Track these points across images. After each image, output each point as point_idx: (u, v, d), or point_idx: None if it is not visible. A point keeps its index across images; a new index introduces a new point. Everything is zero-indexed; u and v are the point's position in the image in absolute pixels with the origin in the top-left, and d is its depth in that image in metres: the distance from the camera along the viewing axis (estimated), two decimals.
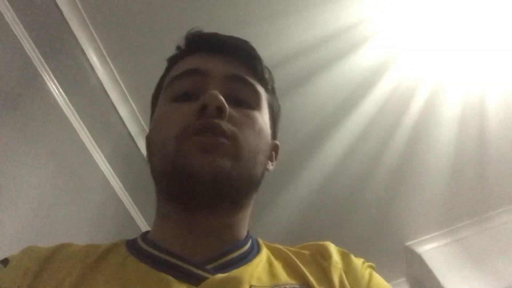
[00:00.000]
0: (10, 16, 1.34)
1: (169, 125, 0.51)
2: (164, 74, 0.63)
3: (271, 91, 0.62)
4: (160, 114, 0.56)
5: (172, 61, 0.62)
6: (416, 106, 2.11)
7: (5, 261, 0.48)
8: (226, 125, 0.49)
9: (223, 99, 0.50)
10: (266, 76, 0.61)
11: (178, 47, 0.62)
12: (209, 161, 0.47)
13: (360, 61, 1.90)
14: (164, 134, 0.51)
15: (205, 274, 0.45)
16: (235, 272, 0.47)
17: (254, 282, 0.46)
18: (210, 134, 0.48)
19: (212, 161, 0.47)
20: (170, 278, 0.44)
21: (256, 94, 0.57)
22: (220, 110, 0.49)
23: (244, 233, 0.55)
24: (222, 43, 0.59)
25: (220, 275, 0.45)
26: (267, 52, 0.75)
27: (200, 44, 0.60)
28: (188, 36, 0.61)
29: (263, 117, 0.57)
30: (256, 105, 0.56)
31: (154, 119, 0.58)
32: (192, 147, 0.48)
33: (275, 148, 0.63)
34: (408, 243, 2.97)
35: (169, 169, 0.49)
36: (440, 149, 2.36)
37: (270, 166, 0.60)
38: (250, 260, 0.50)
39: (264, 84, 0.60)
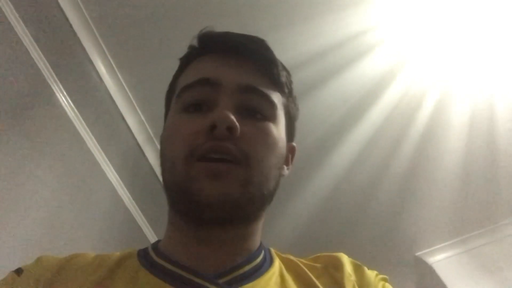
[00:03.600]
0: (20, 29, 1.36)
1: (178, 141, 0.50)
2: (176, 74, 0.61)
3: (288, 94, 0.59)
4: (171, 125, 0.54)
5: (184, 61, 0.60)
6: (424, 114, 2.09)
7: (19, 271, 0.49)
8: (236, 145, 0.47)
9: (233, 118, 0.47)
10: (283, 79, 0.58)
11: (190, 46, 0.60)
12: (217, 188, 0.45)
13: (367, 70, 1.89)
14: (173, 151, 0.50)
15: None
16: (247, 287, 0.46)
17: None
18: (219, 156, 0.47)
19: (220, 188, 0.45)
20: None
21: (271, 104, 0.54)
22: (230, 130, 0.47)
23: (256, 244, 0.54)
24: (236, 44, 0.56)
25: None
26: None
27: (213, 44, 0.57)
28: (201, 35, 0.58)
29: (278, 128, 0.54)
30: (271, 116, 0.53)
31: (166, 127, 0.57)
32: (201, 173, 0.46)
33: (291, 151, 0.61)
34: (418, 253, 2.93)
35: (178, 192, 0.48)
36: (449, 157, 2.33)
37: (286, 171, 0.58)
38: (263, 273, 0.50)
39: (280, 88, 0.57)
